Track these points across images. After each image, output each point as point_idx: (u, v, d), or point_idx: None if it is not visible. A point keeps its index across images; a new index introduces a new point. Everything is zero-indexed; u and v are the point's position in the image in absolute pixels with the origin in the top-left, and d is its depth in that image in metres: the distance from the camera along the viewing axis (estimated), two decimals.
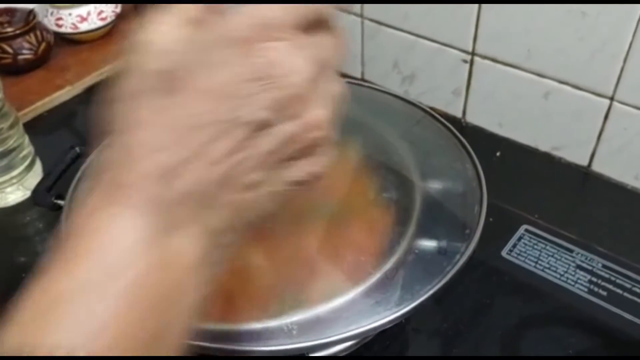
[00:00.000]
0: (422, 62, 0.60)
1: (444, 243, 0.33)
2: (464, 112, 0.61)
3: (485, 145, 0.58)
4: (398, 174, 0.37)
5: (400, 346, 0.40)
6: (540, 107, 0.55)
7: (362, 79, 0.66)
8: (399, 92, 0.64)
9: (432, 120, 0.41)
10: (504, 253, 0.44)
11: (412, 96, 0.63)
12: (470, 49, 0.56)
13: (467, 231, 0.33)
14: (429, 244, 0.33)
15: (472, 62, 0.57)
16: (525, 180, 0.54)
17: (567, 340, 0.39)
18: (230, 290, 0.32)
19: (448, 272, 0.31)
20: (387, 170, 0.37)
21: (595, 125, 0.53)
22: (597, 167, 0.54)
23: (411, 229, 0.34)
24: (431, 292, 0.30)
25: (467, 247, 0.32)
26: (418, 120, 0.42)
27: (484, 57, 0.56)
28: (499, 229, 0.46)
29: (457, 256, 0.32)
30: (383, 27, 0.61)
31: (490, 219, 0.47)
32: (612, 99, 0.50)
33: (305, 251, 0.34)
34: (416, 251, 0.33)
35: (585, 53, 0.50)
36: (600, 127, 0.52)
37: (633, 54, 0.47)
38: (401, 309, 0.30)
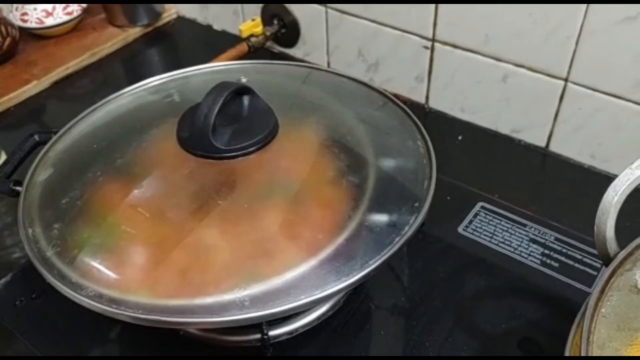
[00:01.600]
0: (385, 49, 0.61)
1: (394, 217, 0.34)
2: (427, 98, 0.62)
3: (447, 129, 0.60)
4: (353, 153, 0.38)
5: (361, 321, 0.41)
6: (499, 90, 0.56)
7: (329, 67, 0.67)
8: (365, 79, 0.65)
9: (391, 104, 0.42)
10: (460, 229, 0.45)
11: (377, 83, 0.64)
12: (430, 36, 0.57)
13: (416, 204, 0.34)
14: (380, 218, 0.34)
15: (432, 49, 0.58)
16: (485, 162, 0.55)
17: (520, 309, 0.40)
18: (185, 266, 0.32)
19: (397, 242, 0.32)
20: (343, 149, 0.38)
21: (552, 107, 0.54)
22: (554, 148, 0.56)
23: (364, 204, 0.35)
24: (379, 261, 0.31)
25: (415, 219, 0.33)
26: (378, 105, 0.43)
27: (444, 43, 0.57)
28: (457, 207, 0.47)
29: (406, 228, 0.33)
30: (346, 16, 0.61)
31: (448, 198, 0.49)
32: (566, 80, 0.52)
33: (262, 228, 0.34)
34: (367, 225, 0.34)
35: (539, 36, 0.51)
36: (557, 108, 0.54)
37: (584, 36, 0.49)
38: (349, 279, 0.31)
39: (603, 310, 0.28)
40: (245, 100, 0.36)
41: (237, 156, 0.35)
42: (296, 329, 0.39)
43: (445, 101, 0.61)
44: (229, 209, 0.34)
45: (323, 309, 0.40)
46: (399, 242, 0.32)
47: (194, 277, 0.32)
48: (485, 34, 0.54)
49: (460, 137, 0.58)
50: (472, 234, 0.45)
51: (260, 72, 0.48)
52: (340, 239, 0.33)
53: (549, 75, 0.53)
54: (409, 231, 0.33)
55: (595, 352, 0.26)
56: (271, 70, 0.49)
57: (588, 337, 0.26)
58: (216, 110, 0.33)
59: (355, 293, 0.42)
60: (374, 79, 0.64)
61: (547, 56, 0.52)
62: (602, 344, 0.28)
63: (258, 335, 0.36)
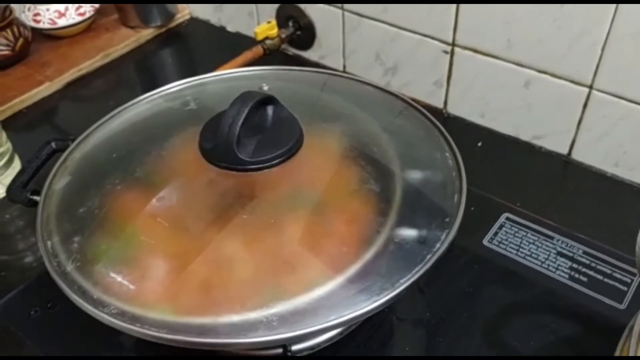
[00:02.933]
0: (404, 53, 0.60)
1: (424, 232, 0.33)
2: (445, 103, 0.60)
3: (467, 135, 0.58)
4: (378, 165, 0.36)
5: (384, 335, 0.40)
6: (520, 96, 0.55)
7: (344, 72, 0.65)
8: (381, 83, 0.64)
9: (412, 111, 0.41)
10: (485, 241, 0.44)
11: (394, 88, 0.63)
12: (450, 40, 0.56)
13: (447, 219, 0.33)
14: (409, 233, 0.33)
15: (452, 53, 0.57)
16: (506, 169, 0.54)
17: (549, 326, 0.38)
18: (207, 281, 0.31)
19: (428, 260, 0.31)
20: (368, 160, 0.36)
21: (575, 114, 0.52)
22: (577, 156, 0.54)
23: (391, 218, 0.34)
24: (411, 280, 0.30)
25: (447, 235, 0.32)
26: (399, 112, 0.41)
27: (465, 48, 0.55)
28: (481, 217, 0.46)
29: (437, 244, 0.32)
30: (364, 19, 0.60)
31: (472, 208, 0.47)
32: (590, 87, 0.50)
33: (286, 242, 0.33)
34: (397, 240, 0.33)
35: (563, 42, 0.49)
36: (580, 115, 0.52)
37: (611, 43, 0.47)
38: (380, 299, 0.29)
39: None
40: (270, 110, 0.34)
41: (262, 168, 0.33)
42: (318, 344, 0.38)
43: (465, 107, 0.59)
44: (252, 222, 0.33)
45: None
46: (430, 259, 0.31)
47: (217, 292, 0.31)
48: (508, 39, 0.52)
49: (479, 144, 0.57)
50: (497, 246, 0.43)
51: (278, 78, 0.46)
52: (368, 255, 0.32)
53: (572, 82, 0.51)
54: (440, 248, 0.31)
55: None
56: (288, 77, 0.47)
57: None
58: (241, 120, 0.32)
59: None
60: (391, 83, 0.63)
61: (571, 62, 0.50)
62: None
63: (279, 351, 0.35)
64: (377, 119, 0.40)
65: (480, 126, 0.59)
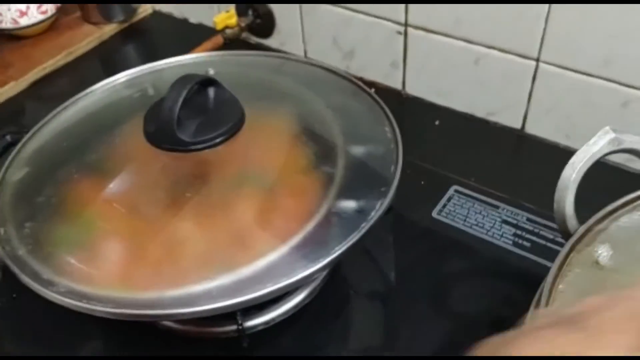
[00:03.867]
0: (359, 36, 0.61)
1: (362, 202, 0.35)
2: (403, 84, 0.62)
3: (424, 114, 0.60)
4: (322, 140, 0.38)
5: (338, 307, 0.41)
6: (472, 73, 0.56)
7: (305, 57, 0.67)
8: (341, 67, 0.65)
9: (358, 89, 0.43)
10: (434, 213, 0.46)
11: (353, 71, 0.64)
12: (403, 21, 0.57)
13: (383, 189, 0.35)
14: (348, 204, 0.35)
15: (406, 34, 0.58)
16: (462, 145, 0.56)
17: (494, 290, 0.40)
18: (158, 259, 0.33)
19: (362, 228, 0.33)
20: (311, 137, 0.38)
21: (525, 88, 0.54)
22: (530, 129, 0.56)
23: (333, 191, 0.35)
24: (346, 247, 0.32)
25: (381, 204, 0.34)
26: (344, 90, 0.43)
27: (417, 28, 0.57)
28: (430, 191, 0.48)
29: (373, 213, 0.33)
30: (320, 5, 0.61)
31: (422, 182, 0.50)
32: (537, 60, 0.52)
33: (233, 218, 0.34)
34: (337, 211, 0.34)
35: (508, 17, 0.51)
36: (530, 89, 0.54)
37: (553, 15, 0.49)
38: (315, 265, 0.31)
39: (561, 286, 0.28)
40: (211, 92, 0.36)
41: (204, 148, 0.35)
42: (273, 319, 0.40)
43: (421, 86, 0.61)
44: (200, 201, 0.35)
45: (299, 297, 0.41)
46: (365, 227, 0.33)
47: (166, 269, 0.33)
48: (456, 17, 0.54)
49: (437, 122, 0.59)
50: (445, 217, 0.45)
51: (234, 63, 0.48)
52: (310, 227, 0.34)
53: (520, 55, 0.53)
54: (375, 216, 0.33)
55: None
56: (246, 62, 0.49)
57: (547, 305, 0.27)
58: (180, 103, 0.33)
59: (332, 280, 0.42)
60: (350, 67, 0.64)
61: (517, 37, 0.52)
62: None
63: (234, 327, 0.37)
64: (323, 98, 0.41)
65: (437, 105, 0.60)
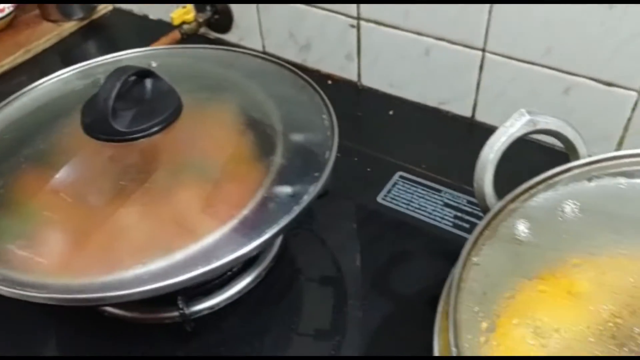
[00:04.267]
0: (314, 30, 0.62)
1: (297, 187, 0.36)
2: (359, 76, 0.63)
3: (379, 105, 0.61)
4: (261, 128, 0.39)
5: (284, 292, 0.43)
6: (423, 64, 0.58)
7: (264, 52, 0.67)
8: (298, 61, 0.67)
9: (299, 79, 0.44)
10: (379, 198, 0.47)
11: (310, 64, 0.66)
12: (355, 14, 0.59)
13: (317, 174, 0.36)
14: (284, 189, 0.36)
15: (358, 27, 0.59)
16: (414, 134, 0.57)
17: (433, 270, 0.42)
18: (96, 246, 0.33)
19: (294, 211, 0.34)
20: (251, 125, 0.39)
21: (473, 77, 0.56)
22: (480, 117, 0.58)
23: (270, 176, 0.36)
24: (275, 230, 0.33)
25: (315, 188, 0.35)
26: (288, 82, 0.44)
27: (369, 21, 0.58)
28: (376, 177, 0.49)
29: (305, 197, 0.34)
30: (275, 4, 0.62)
31: (368, 169, 0.51)
32: (483, 50, 0.54)
33: (171, 205, 0.35)
34: (272, 196, 0.35)
35: (455, 8, 0.52)
36: (477, 78, 0.56)
37: (497, 6, 0.50)
38: (246, 248, 0.32)
39: (476, 259, 0.29)
40: (148, 83, 0.37)
41: (140, 137, 0.36)
42: (218, 303, 0.41)
43: (376, 78, 0.62)
44: (139, 189, 0.35)
45: (245, 281, 0.42)
46: (296, 210, 0.34)
47: (103, 256, 0.33)
48: (405, 10, 0.55)
49: (391, 112, 0.60)
50: (390, 202, 0.46)
51: (183, 57, 0.49)
52: (245, 212, 0.35)
53: (467, 46, 0.54)
54: (307, 199, 0.34)
55: (466, 299, 0.28)
56: (198, 55, 0.49)
57: (458, 286, 0.28)
58: (114, 93, 0.34)
59: (278, 264, 0.44)
60: (307, 60, 0.65)
61: (464, 28, 0.53)
62: (476, 292, 0.30)
63: (177, 312, 0.38)
64: (265, 89, 0.42)
65: (391, 95, 0.62)
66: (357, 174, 0.49)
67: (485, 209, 0.32)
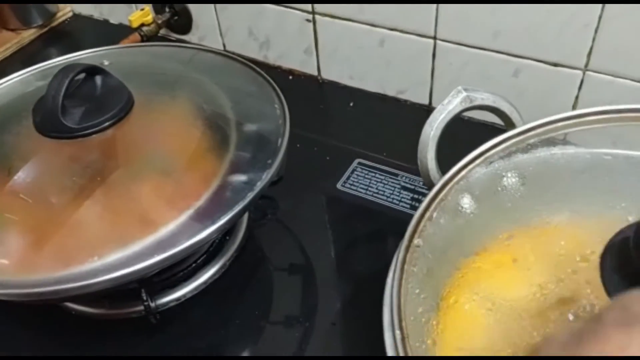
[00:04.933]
0: (272, 26, 0.63)
1: (251, 175, 0.36)
2: (319, 69, 0.64)
3: (340, 97, 0.62)
4: (215, 120, 0.40)
5: (250, 281, 0.43)
6: (379, 55, 0.59)
7: (225, 50, 0.68)
8: (259, 57, 0.67)
9: (252, 72, 0.44)
10: (339, 185, 0.48)
11: (271, 61, 0.67)
12: (310, 9, 0.60)
13: (269, 161, 0.37)
14: (238, 177, 0.36)
15: (314, 21, 0.60)
16: (373, 124, 0.58)
17: (393, 250, 0.43)
18: (59, 242, 0.34)
19: (248, 197, 0.34)
20: (205, 118, 0.40)
21: (427, 65, 0.57)
22: (436, 104, 0.59)
23: (224, 166, 0.37)
24: (230, 215, 0.34)
25: (267, 175, 0.36)
26: (242, 75, 0.45)
27: (324, 15, 0.59)
28: (335, 165, 0.50)
29: (258, 183, 0.35)
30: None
31: (327, 158, 0.52)
32: (435, 38, 0.55)
33: (128, 198, 0.36)
34: (227, 184, 0.36)
35: None
36: (431, 66, 0.57)
37: None
38: (200, 235, 0.33)
39: (417, 240, 0.31)
40: (98, 80, 0.37)
41: (92, 133, 0.36)
42: (184, 295, 0.41)
43: (335, 70, 0.63)
44: (95, 184, 0.36)
45: (210, 272, 0.42)
46: (249, 196, 0.34)
47: (61, 253, 0.34)
48: (360, 4, 0.57)
49: (351, 104, 0.61)
50: (349, 188, 0.48)
51: (142, 54, 0.49)
52: (201, 201, 0.35)
53: (419, 35, 0.56)
54: (259, 186, 0.35)
55: (409, 281, 0.29)
56: (156, 53, 0.50)
57: (404, 260, 0.29)
58: (63, 91, 0.34)
59: (243, 253, 0.44)
60: (268, 57, 0.66)
61: (415, 17, 0.55)
62: (417, 274, 0.31)
63: (141, 308, 0.38)
64: (218, 83, 0.43)
65: (351, 87, 0.63)
66: (317, 163, 0.51)
67: (431, 185, 0.33)
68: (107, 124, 0.36)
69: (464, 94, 0.32)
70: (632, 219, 0.31)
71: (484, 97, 0.33)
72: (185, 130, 0.39)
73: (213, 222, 0.33)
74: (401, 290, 0.29)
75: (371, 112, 0.60)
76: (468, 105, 0.33)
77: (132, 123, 0.37)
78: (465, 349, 0.31)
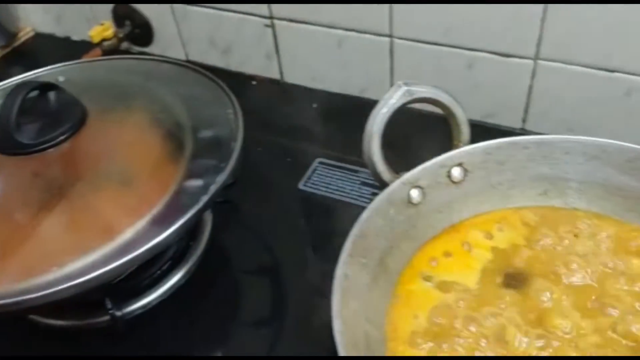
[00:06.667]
0: (233, 33, 0.65)
1: (207, 179, 0.38)
2: (281, 74, 0.66)
3: (304, 100, 0.64)
4: (171, 128, 0.42)
5: (215, 282, 0.45)
6: (337, 55, 0.61)
7: (188, 61, 0.70)
8: (221, 65, 0.69)
9: (207, 80, 0.46)
10: (300, 185, 0.50)
11: (233, 67, 0.69)
12: (268, 14, 0.62)
13: (223, 165, 0.38)
14: (194, 182, 0.38)
15: (273, 26, 0.62)
16: (336, 123, 0.60)
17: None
18: (19, 255, 0.35)
19: (202, 200, 0.36)
20: (161, 126, 0.42)
21: (385, 63, 0.60)
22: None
23: (180, 171, 0.39)
24: (184, 219, 0.35)
25: (221, 178, 0.38)
26: (197, 83, 0.47)
27: (282, 19, 0.62)
28: (296, 166, 0.52)
29: (212, 187, 0.37)
30: (190, 7, 0.65)
31: (288, 159, 0.54)
32: (391, 36, 0.57)
33: (91, 209, 0.37)
34: (184, 189, 0.38)
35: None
36: (390, 63, 0.59)
37: None
38: (157, 239, 0.34)
39: (366, 230, 0.32)
40: (52, 95, 0.39)
41: (47, 148, 0.38)
42: (150, 302, 0.43)
43: (297, 73, 0.65)
44: (54, 197, 0.38)
45: (175, 278, 0.44)
46: (204, 199, 0.36)
47: (21, 265, 0.35)
48: (316, 5, 0.59)
49: (315, 105, 0.63)
50: (310, 187, 0.50)
51: (100, 68, 0.51)
52: (159, 207, 0.37)
53: (375, 34, 0.58)
54: (213, 189, 0.37)
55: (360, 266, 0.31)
56: (115, 67, 0.52)
57: (351, 252, 0.31)
58: (16, 109, 0.36)
59: (207, 258, 0.46)
60: (230, 64, 0.68)
61: (370, 17, 0.57)
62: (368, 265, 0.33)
63: (107, 317, 0.40)
64: (175, 93, 0.45)
65: (314, 89, 0.65)
66: (279, 165, 0.53)
67: (378, 178, 0.36)
68: (61, 138, 0.38)
69: (404, 88, 0.35)
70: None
71: (423, 90, 0.35)
72: (141, 139, 0.41)
73: (170, 226, 0.35)
74: (346, 281, 0.31)
75: (333, 112, 0.62)
76: (409, 98, 0.35)
77: (87, 136, 0.39)
78: (420, 332, 0.33)
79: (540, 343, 0.31)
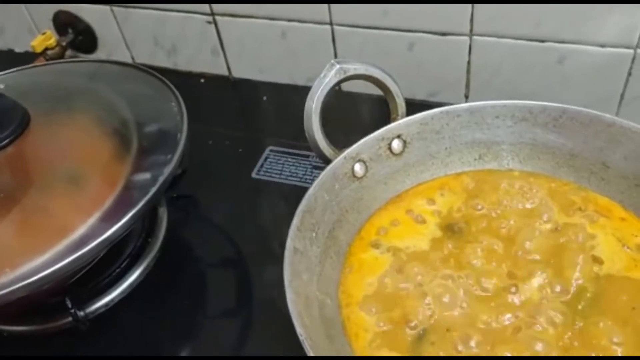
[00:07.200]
0: (176, 33, 0.66)
1: (155, 172, 0.39)
2: (229, 69, 0.67)
3: (253, 93, 0.66)
4: (116, 126, 0.43)
5: (174, 277, 0.46)
6: (282, 46, 0.63)
7: (133, 62, 0.70)
8: (168, 65, 0.70)
9: (150, 77, 0.47)
10: (253, 174, 0.51)
11: (181, 66, 0.69)
12: (209, 11, 0.63)
13: (169, 157, 0.39)
14: (142, 176, 0.39)
15: (215, 22, 0.63)
16: (286, 114, 0.62)
17: None
18: None
19: (151, 192, 0.37)
20: (105, 125, 0.43)
21: (329, 50, 0.61)
22: (345, 87, 0.63)
23: (128, 167, 0.40)
24: (134, 210, 0.36)
25: (167, 169, 0.39)
26: (141, 81, 0.47)
27: (223, 15, 0.63)
28: (248, 155, 0.54)
29: (160, 178, 0.38)
30: (131, 9, 0.65)
31: (240, 150, 0.55)
32: (331, 24, 0.59)
33: (41, 210, 0.38)
34: (132, 184, 0.39)
35: None
36: (333, 50, 0.61)
37: None
38: (107, 233, 0.35)
39: (325, 198, 0.34)
40: None
41: None
42: (112, 300, 0.43)
43: (244, 67, 0.67)
44: (2, 201, 0.38)
45: (135, 274, 0.45)
46: (152, 191, 0.37)
47: None
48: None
49: (265, 98, 0.64)
50: (264, 175, 0.51)
51: (42, 74, 0.51)
52: (108, 203, 0.38)
53: (317, 22, 0.60)
54: (161, 180, 0.38)
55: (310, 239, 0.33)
56: (58, 71, 0.52)
57: (299, 227, 0.33)
58: None
59: (166, 252, 0.47)
60: (178, 63, 0.69)
61: (309, 6, 0.59)
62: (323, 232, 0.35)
63: (70, 319, 0.40)
64: (118, 92, 0.46)
65: (263, 82, 0.66)
66: (231, 157, 0.54)
67: (321, 155, 0.37)
68: (5, 142, 0.38)
69: (338, 66, 0.36)
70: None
71: (356, 67, 0.37)
72: (87, 139, 0.41)
73: (119, 220, 0.36)
74: (296, 255, 0.33)
75: (283, 102, 0.64)
76: (343, 76, 0.37)
77: (32, 139, 0.39)
78: (371, 295, 0.35)
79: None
